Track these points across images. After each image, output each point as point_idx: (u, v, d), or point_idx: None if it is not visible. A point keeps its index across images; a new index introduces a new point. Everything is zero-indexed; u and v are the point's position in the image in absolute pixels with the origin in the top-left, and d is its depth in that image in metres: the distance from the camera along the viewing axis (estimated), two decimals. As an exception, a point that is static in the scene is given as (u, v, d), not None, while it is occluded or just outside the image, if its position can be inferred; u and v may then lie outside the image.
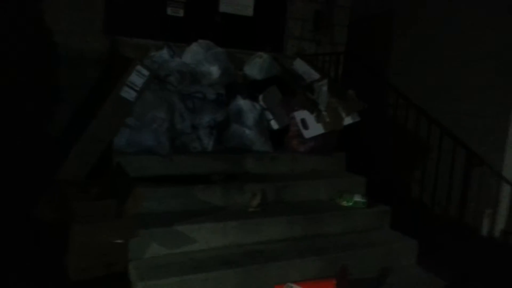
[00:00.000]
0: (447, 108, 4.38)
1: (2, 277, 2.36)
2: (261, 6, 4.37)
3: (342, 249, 2.92)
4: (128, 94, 2.87)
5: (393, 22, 5.30)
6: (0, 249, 2.59)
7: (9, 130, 3.22)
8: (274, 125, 3.63)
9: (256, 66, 3.87)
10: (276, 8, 4.46)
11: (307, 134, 3.53)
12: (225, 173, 3.21)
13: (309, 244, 2.92)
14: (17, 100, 3.24)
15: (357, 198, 3.28)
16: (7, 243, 2.66)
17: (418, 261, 3.16)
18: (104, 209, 2.51)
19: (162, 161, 3.04)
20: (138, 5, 3.91)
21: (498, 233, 3.99)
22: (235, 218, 2.85)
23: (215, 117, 3.31)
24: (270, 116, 3.63)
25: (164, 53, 3.57)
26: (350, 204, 3.27)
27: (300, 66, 4.07)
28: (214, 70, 3.59)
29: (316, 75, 3.90)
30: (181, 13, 4.06)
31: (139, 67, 2.85)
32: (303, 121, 3.55)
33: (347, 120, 3.54)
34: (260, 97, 3.65)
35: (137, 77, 2.87)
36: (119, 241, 2.33)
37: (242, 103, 3.50)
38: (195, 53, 3.62)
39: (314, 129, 3.52)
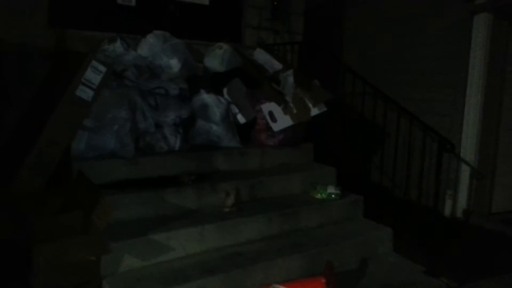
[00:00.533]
0: (402, 93, 4.48)
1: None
2: (217, -6, 4.18)
3: (321, 243, 2.87)
4: (84, 93, 2.58)
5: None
6: None
7: None
8: (241, 119, 3.49)
9: (216, 58, 3.69)
10: (233, -4, 4.29)
11: (276, 127, 3.43)
12: (196, 173, 3.03)
13: (289, 241, 2.84)
14: None
15: (331, 189, 3.25)
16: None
17: (394, 248, 3.20)
18: (69, 223, 2.25)
19: (127, 165, 2.80)
20: (86, -6, 3.56)
21: (460, 214, 4.16)
22: (211, 220, 2.69)
23: (180, 114, 3.11)
24: (236, 110, 3.47)
25: (118, 46, 3.28)
26: (324, 196, 3.23)
27: (261, 56, 3.95)
28: (174, 63, 3.37)
29: (278, 65, 3.80)
30: (132, 2, 3.75)
31: (94, 63, 2.56)
32: (270, 113, 3.44)
33: (314, 111, 3.48)
34: (225, 90, 3.48)
35: (93, 74, 2.58)
36: (90, 258, 2.09)
37: (206, 97, 3.32)
38: (151, 45, 3.37)
39: (283, 121, 3.43)
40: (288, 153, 3.58)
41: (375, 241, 3.11)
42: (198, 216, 2.75)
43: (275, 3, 4.29)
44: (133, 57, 3.27)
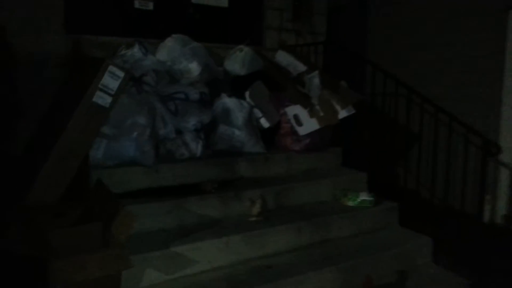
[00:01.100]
0: (436, 94, 4.24)
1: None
2: (237, -5, 4.05)
3: (355, 254, 2.66)
4: (102, 99, 2.45)
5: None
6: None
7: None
8: (265, 123, 3.33)
9: (237, 61, 3.54)
10: (252, -2, 4.15)
11: (302, 131, 3.25)
12: (219, 181, 2.87)
13: (320, 253, 2.64)
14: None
15: (363, 196, 3.04)
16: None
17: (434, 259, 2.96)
18: (87, 236, 2.11)
19: (147, 173, 2.66)
20: (103, -1, 3.47)
21: (499, 220, 3.89)
22: (237, 231, 2.52)
23: (201, 119, 2.96)
24: (259, 114, 3.31)
25: (136, 51, 3.17)
26: (356, 203, 3.02)
27: (283, 58, 3.79)
28: (194, 67, 3.24)
29: (302, 67, 3.63)
30: (150, 6, 3.64)
31: (112, 68, 2.44)
32: (296, 117, 3.27)
33: (342, 113, 3.29)
34: (247, 94, 3.33)
35: (111, 80, 2.45)
36: (110, 274, 1.94)
37: (228, 101, 3.17)
38: (170, 50, 3.25)
39: (309, 124, 3.25)
40: (315, 158, 3.39)
41: (413, 252, 2.88)
42: (223, 226, 2.58)
43: (297, 3, 4.14)
44: (151, 62, 3.15)
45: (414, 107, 3.57)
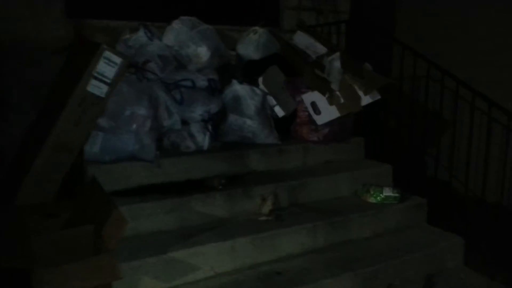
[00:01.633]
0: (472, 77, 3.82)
1: None
2: (251, -27, 3.74)
3: (378, 257, 2.39)
4: (97, 88, 2.26)
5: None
6: None
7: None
8: (279, 112, 3.06)
9: (251, 44, 3.26)
10: (268, -25, 3.83)
11: (320, 120, 2.96)
12: (227, 176, 2.64)
13: (338, 256, 2.38)
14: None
15: (387, 192, 2.74)
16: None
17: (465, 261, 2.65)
18: (77, 241, 1.94)
19: (148, 168, 2.46)
20: (106, -20, 3.24)
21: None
22: (244, 232, 2.29)
23: (209, 108, 2.73)
24: (273, 101, 3.05)
25: (141, 36, 2.95)
26: (380, 199, 2.73)
27: (302, 39, 3.47)
28: (203, 51, 3.00)
29: (322, 49, 3.31)
30: (158, -14, 3.40)
31: (107, 53, 2.24)
32: (313, 104, 2.98)
33: (366, 100, 2.98)
34: (260, 80, 3.06)
35: (107, 66, 2.26)
36: (101, 283, 1.76)
37: (239, 88, 2.91)
38: (177, 33, 3.01)
39: (328, 113, 2.95)
40: (334, 149, 3.10)
41: (443, 254, 2.58)
42: (229, 227, 2.36)
43: (317, -22, 3.79)
44: (157, 47, 2.91)
45: (447, 92, 3.20)
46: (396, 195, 2.74)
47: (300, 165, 2.96)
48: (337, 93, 2.96)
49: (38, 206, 2.19)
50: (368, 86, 2.92)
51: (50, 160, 2.21)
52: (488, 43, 3.92)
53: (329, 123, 2.99)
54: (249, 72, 3.16)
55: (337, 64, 2.95)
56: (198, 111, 2.70)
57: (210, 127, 2.75)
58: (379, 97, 2.99)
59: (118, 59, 2.29)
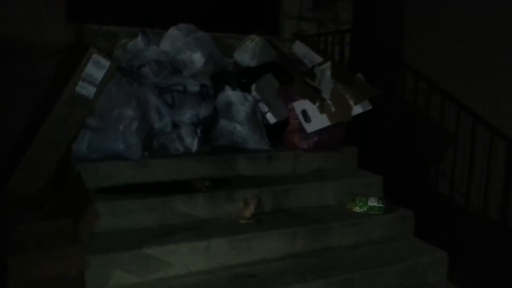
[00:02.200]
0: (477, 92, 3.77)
1: None
2: (251, -19, 3.83)
3: (355, 267, 2.38)
4: (86, 89, 2.38)
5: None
6: None
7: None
8: (271, 118, 3.10)
9: (247, 51, 3.33)
10: (269, -16, 3.91)
11: (310, 128, 2.98)
12: (213, 179, 2.70)
13: (314, 263, 2.38)
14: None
15: (372, 202, 2.72)
16: None
17: (449, 275, 2.60)
18: (56, 232, 2.03)
19: (134, 167, 2.54)
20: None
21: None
22: (221, 234, 2.33)
23: (198, 113, 2.81)
24: (265, 108, 3.09)
25: (139, 41, 3.08)
26: (364, 209, 2.72)
27: (300, 49, 3.51)
28: (197, 58, 3.09)
29: (318, 59, 3.34)
30: (158, -6, 3.53)
31: (95, 56, 2.35)
32: (304, 112, 3.01)
33: (357, 109, 2.99)
34: (253, 86, 3.12)
35: (95, 69, 2.37)
36: (67, 273, 1.84)
37: (231, 94, 2.97)
38: (174, 39, 3.12)
39: (318, 121, 2.98)
40: (325, 157, 3.11)
41: (425, 267, 2.53)
42: (208, 228, 2.40)
43: (318, -11, 3.84)
44: (153, 52, 3.03)
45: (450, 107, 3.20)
46: (381, 205, 2.72)
47: (289, 172, 2.98)
48: (328, 102, 2.99)
49: (26, 198, 2.31)
50: (359, 96, 2.93)
51: (39, 156, 2.33)
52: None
53: (319, 132, 3.00)
54: (244, 78, 3.23)
55: (328, 73, 2.98)
56: (187, 115, 2.78)
57: (199, 130, 2.82)
58: (370, 107, 3.00)
59: (106, 62, 2.40)
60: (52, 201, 2.28)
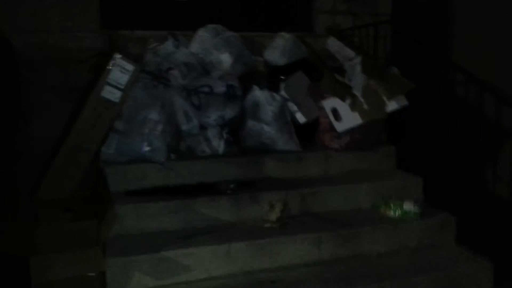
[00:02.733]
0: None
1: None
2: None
3: (386, 276, 2.23)
4: (111, 94, 2.43)
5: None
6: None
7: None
8: (301, 118, 3.00)
9: (277, 50, 3.25)
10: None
11: (340, 126, 2.85)
12: (240, 181, 2.66)
13: (341, 270, 2.27)
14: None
15: (408, 206, 2.55)
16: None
17: (495, 288, 2.37)
18: (81, 234, 2.10)
19: (161, 170, 2.57)
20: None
21: None
22: (243, 237, 2.29)
23: (224, 114, 2.77)
24: (294, 107, 3.00)
25: (168, 44, 3.09)
26: (399, 214, 2.55)
27: (334, 44, 3.37)
28: (225, 58, 3.05)
29: (351, 53, 3.18)
30: (187, -4, 3.54)
31: (120, 61, 2.40)
32: (334, 110, 2.88)
33: (391, 106, 2.81)
34: (282, 85, 3.03)
35: (120, 74, 2.42)
36: (87, 274, 1.89)
37: (259, 94, 2.92)
38: (202, 41, 3.11)
39: (349, 120, 2.83)
40: (360, 158, 2.96)
41: (465, 278, 2.32)
42: (230, 231, 2.37)
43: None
44: (182, 55, 3.04)
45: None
46: (418, 210, 2.53)
47: (320, 174, 2.88)
48: (360, 99, 2.83)
49: (57, 200, 2.41)
50: (392, 91, 2.75)
51: (69, 158, 2.42)
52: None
53: (352, 131, 2.86)
54: (274, 77, 3.16)
55: (359, 68, 2.82)
56: (213, 116, 2.76)
57: (225, 132, 2.79)
58: (406, 103, 2.81)
59: (130, 67, 2.44)
60: (80, 203, 2.36)
